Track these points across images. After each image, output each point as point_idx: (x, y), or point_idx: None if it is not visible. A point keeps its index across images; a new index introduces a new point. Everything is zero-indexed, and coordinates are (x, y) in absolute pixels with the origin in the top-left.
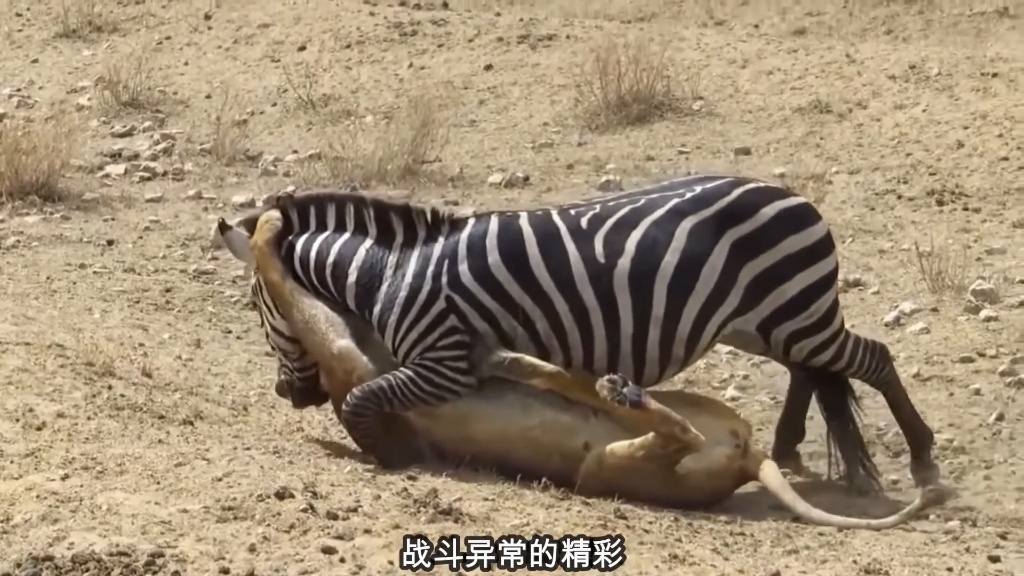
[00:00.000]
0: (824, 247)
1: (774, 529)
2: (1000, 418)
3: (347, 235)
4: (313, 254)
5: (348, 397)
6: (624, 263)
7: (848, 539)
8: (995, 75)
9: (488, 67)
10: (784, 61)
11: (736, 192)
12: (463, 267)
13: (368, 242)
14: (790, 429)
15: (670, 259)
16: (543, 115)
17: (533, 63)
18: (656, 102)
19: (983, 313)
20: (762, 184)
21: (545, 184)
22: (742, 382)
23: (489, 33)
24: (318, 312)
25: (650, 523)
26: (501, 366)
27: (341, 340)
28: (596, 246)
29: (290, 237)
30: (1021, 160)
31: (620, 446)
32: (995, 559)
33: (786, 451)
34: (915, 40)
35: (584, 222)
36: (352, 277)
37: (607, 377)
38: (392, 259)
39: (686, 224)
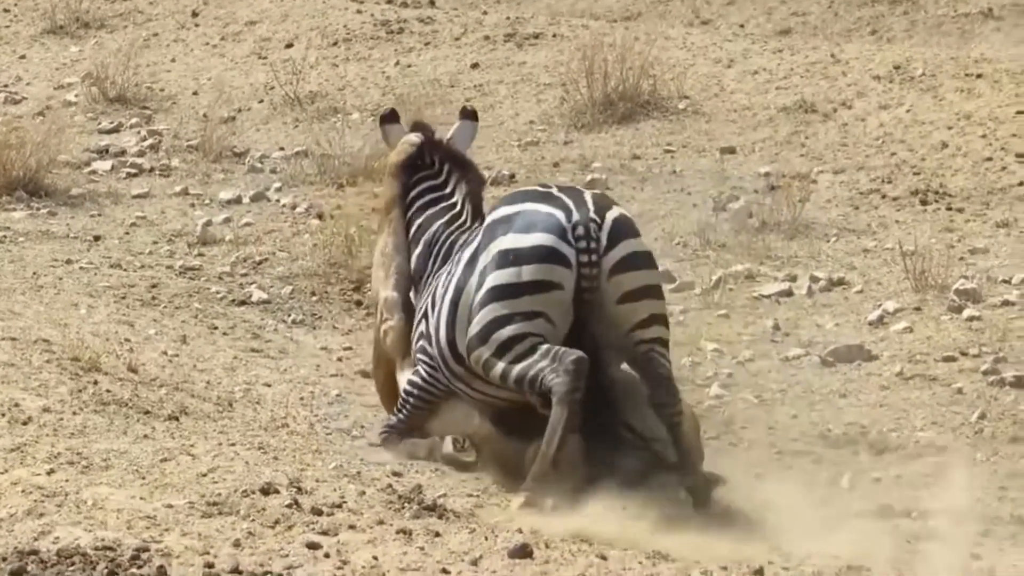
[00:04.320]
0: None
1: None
2: (982, 416)
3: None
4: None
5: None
6: None
7: (831, 535)
8: (979, 76)
9: (475, 65)
10: (769, 61)
11: None
12: None
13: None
14: None
15: None
16: (529, 113)
17: (519, 61)
18: (642, 101)
19: (966, 312)
20: None
21: (531, 182)
22: (726, 380)
23: (476, 31)
24: (396, 256)
25: (634, 520)
26: None
27: (392, 292)
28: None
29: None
30: (1004, 160)
31: None
32: (977, 557)
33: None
34: (900, 40)
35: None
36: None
37: None
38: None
39: None
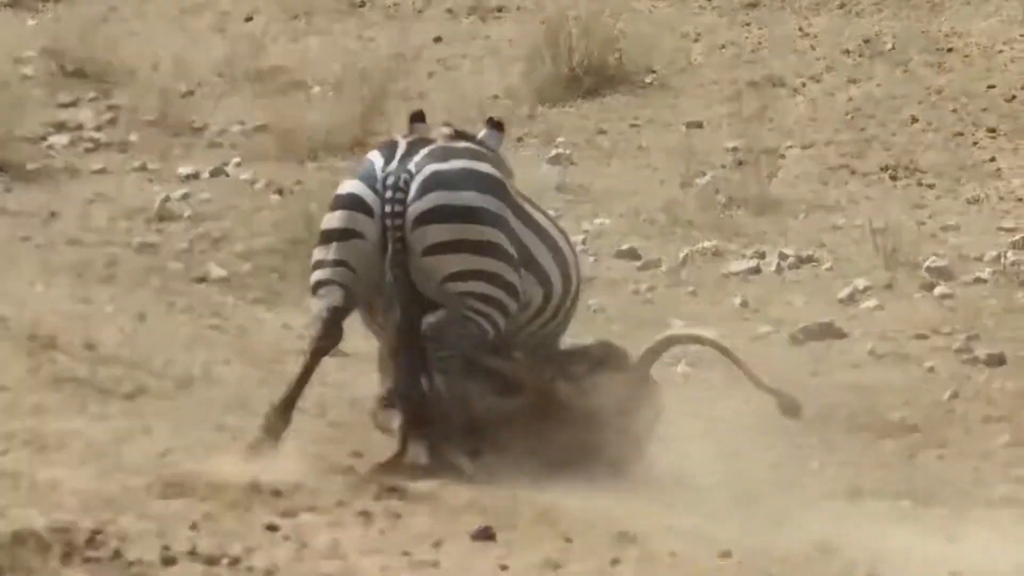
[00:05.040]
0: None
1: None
2: (954, 396)
3: None
4: None
5: None
6: None
7: (801, 518)
8: (950, 50)
9: (437, 39)
10: (737, 34)
11: None
12: None
13: None
14: None
15: None
16: (493, 87)
17: (483, 35)
18: (608, 75)
19: (938, 290)
20: None
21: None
22: (694, 359)
23: (439, 4)
24: None
25: (599, 501)
26: None
27: None
28: None
29: None
30: (976, 136)
31: None
32: (950, 539)
33: None
34: (869, 14)
35: None
36: None
37: None
38: None
39: None
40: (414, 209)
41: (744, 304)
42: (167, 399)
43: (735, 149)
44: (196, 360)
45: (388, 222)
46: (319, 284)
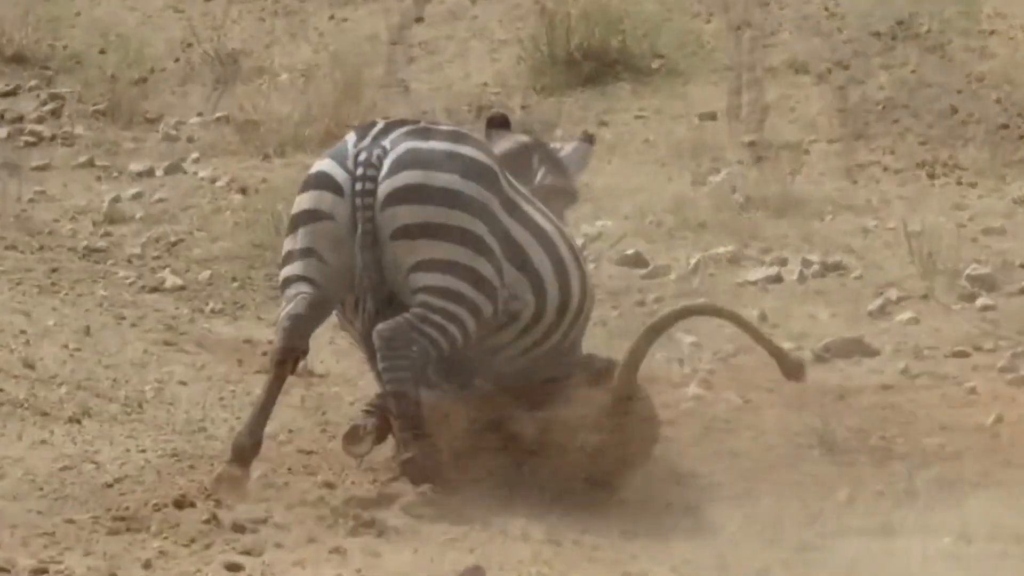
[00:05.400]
0: None
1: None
2: (999, 420)
3: None
4: None
5: None
6: None
7: (827, 556)
8: (992, 33)
9: (419, 19)
10: (754, 15)
11: None
12: None
13: None
14: None
15: None
16: (482, 74)
17: (471, 15)
18: (610, 60)
19: (979, 301)
20: None
21: None
22: (706, 378)
23: None
24: None
25: (600, 538)
26: None
27: None
28: None
29: None
30: (1022, 128)
31: None
32: None
33: None
34: None
35: None
36: None
37: None
38: None
39: None
40: (385, 187)
41: (763, 317)
42: (115, 423)
43: (753, 143)
44: (148, 380)
45: (358, 200)
46: (285, 281)
